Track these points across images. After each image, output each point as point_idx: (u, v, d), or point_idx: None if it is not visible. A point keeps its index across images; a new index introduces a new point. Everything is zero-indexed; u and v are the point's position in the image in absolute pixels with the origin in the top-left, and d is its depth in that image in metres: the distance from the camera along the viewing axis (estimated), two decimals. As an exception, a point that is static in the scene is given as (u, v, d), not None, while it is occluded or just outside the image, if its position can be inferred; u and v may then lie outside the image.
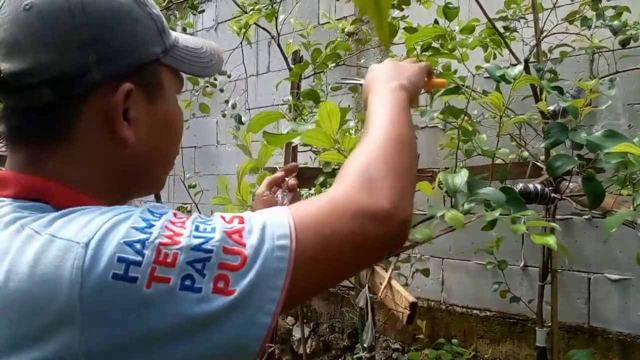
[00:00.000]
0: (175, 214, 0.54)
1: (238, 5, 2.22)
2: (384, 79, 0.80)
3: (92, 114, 0.59)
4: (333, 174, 1.72)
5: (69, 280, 0.47)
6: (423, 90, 0.93)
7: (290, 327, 3.49)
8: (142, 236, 0.49)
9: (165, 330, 0.48)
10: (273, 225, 0.54)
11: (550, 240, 1.02)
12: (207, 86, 2.68)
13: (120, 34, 0.58)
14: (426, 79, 0.90)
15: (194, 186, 2.53)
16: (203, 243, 0.50)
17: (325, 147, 1.07)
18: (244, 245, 0.52)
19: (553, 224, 1.10)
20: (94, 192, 0.60)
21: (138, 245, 0.49)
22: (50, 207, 0.55)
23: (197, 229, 0.52)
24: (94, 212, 0.52)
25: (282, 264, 0.52)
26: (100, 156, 0.61)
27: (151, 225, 0.51)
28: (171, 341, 0.48)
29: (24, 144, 0.59)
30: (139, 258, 0.48)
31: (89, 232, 0.49)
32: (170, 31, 0.67)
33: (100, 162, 0.61)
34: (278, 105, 2.77)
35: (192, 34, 3.43)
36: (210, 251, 0.50)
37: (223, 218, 0.55)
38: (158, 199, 2.68)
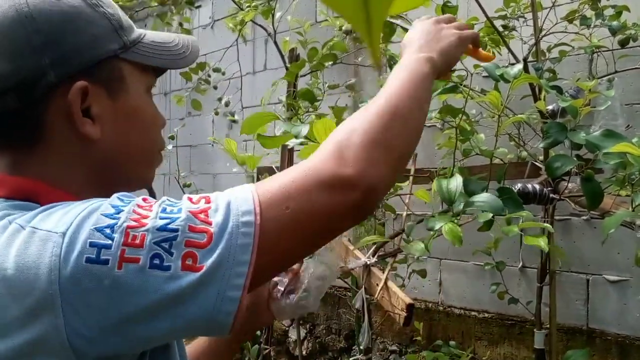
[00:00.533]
0: (144, 199, 0.57)
1: (234, 2, 2.20)
2: (416, 46, 0.78)
3: (55, 114, 0.62)
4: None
5: (48, 267, 0.50)
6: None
7: (287, 329, 3.47)
8: (111, 221, 0.53)
9: (140, 309, 0.51)
10: (238, 201, 0.56)
11: (542, 242, 1.01)
12: (202, 83, 2.66)
13: (71, 35, 0.61)
14: (471, 47, 0.87)
15: (189, 185, 2.52)
16: (169, 223, 0.53)
17: None
18: (209, 223, 0.54)
19: (546, 225, 1.08)
20: (76, 190, 0.63)
21: (108, 230, 0.52)
22: (40, 206, 0.59)
23: (163, 210, 0.55)
24: (71, 205, 0.56)
25: (248, 240, 0.53)
26: (73, 155, 0.64)
27: (119, 211, 0.54)
28: (147, 319, 0.51)
29: (6, 147, 0.64)
30: (108, 242, 0.51)
31: (66, 223, 0.53)
32: (136, 29, 0.70)
33: (74, 160, 0.64)
34: (275, 104, 2.75)
35: (188, 31, 3.41)
36: (176, 230, 0.53)
37: (190, 199, 0.57)
38: (153, 197, 2.66)
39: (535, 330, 1.96)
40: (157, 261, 0.51)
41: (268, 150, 2.29)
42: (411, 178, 1.71)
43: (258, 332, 1.86)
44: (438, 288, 2.79)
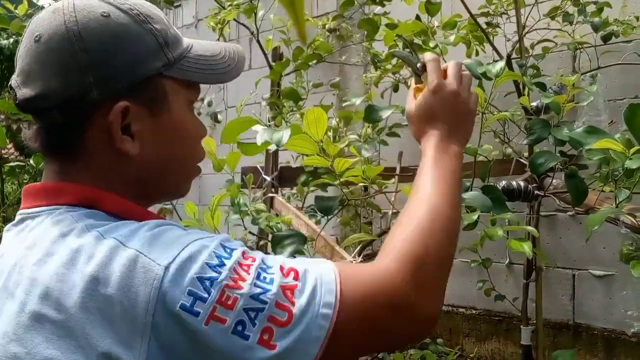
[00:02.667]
0: (244, 253, 0.59)
1: (216, 1, 2.18)
2: (443, 129, 0.79)
3: (96, 130, 0.64)
4: (315, 173, 1.69)
5: (147, 297, 0.54)
6: None
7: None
8: (213, 274, 0.55)
9: None
10: (323, 288, 0.58)
11: (526, 247, 1.00)
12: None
13: (116, 55, 0.62)
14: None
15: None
16: (261, 293, 0.56)
17: (309, 153, 1.05)
18: (293, 303, 0.56)
19: (531, 229, 1.08)
20: (125, 196, 0.66)
21: (207, 283, 0.55)
22: (102, 212, 0.63)
23: (258, 276, 0.57)
24: (175, 232, 0.59)
25: (321, 333, 0.56)
26: (112, 167, 0.66)
27: (222, 264, 0.56)
28: None
29: (53, 158, 0.67)
30: (205, 295, 0.54)
31: (169, 255, 0.55)
32: (184, 40, 0.70)
33: (113, 173, 0.66)
34: (259, 103, 2.73)
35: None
36: (265, 302, 0.55)
37: (282, 269, 0.59)
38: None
39: (521, 326, 1.97)
40: (240, 327, 0.54)
41: (238, 159, 2.28)
42: (397, 177, 1.71)
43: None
44: (426, 285, 2.79)
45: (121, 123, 0.63)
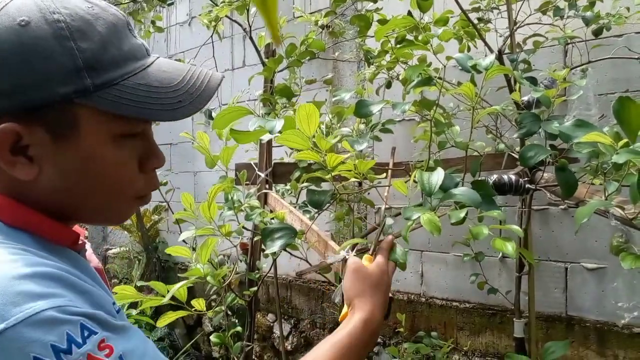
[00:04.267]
0: (101, 343, 0.52)
1: (209, -1, 2.18)
2: (378, 302, 0.92)
3: None
4: (309, 169, 1.70)
5: None
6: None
7: (271, 325, 3.47)
8: None
9: None
10: None
11: (509, 247, 1.02)
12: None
13: (16, 71, 0.56)
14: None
15: (165, 184, 2.49)
16: None
17: (301, 148, 1.05)
18: None
19: (516, 228, 1.10)
20: (38, 208, 0.62)
21: None
22: (2, 224, 0.59)
23: None
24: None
25: None
26: (20, 182, 0.60)
27: (69, 351, 0.50)
28: None
29: None
30: None
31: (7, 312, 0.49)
32: (142, 61, 0.63)
33: (23, 187, 0.61)
34: (254, 100, 2.73)
35: (164, 29, 3.36)
36: None
37: None
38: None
39: (514, 319, 1.98)
40: None
41: (246, 146, 2.28)
42: (389, 171, 1.72)
43: (240, 329, 1.85)
44: (420, 280, 2.81)
45: (14, 144, 0.58)
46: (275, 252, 1.66)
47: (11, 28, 0.57)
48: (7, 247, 0.56)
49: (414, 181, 1.15)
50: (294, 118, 1.06)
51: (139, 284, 1.44)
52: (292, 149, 2.10)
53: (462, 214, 1.00)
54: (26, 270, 0.53)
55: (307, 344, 3.28)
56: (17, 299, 0.50)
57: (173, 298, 1.07)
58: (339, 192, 1.21)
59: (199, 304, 1.10)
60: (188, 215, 1.17)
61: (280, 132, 1.08)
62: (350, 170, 1.14)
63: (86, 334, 0.51)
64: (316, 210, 1.26)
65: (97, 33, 0.59)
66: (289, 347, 3.29)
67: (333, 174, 1.09)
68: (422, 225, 1.29)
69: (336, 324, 3.11)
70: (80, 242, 0.68)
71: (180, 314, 1.13)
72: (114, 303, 0.65)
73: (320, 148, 1.06)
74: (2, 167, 0.60)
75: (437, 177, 1.08)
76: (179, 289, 1.02)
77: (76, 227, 0.71)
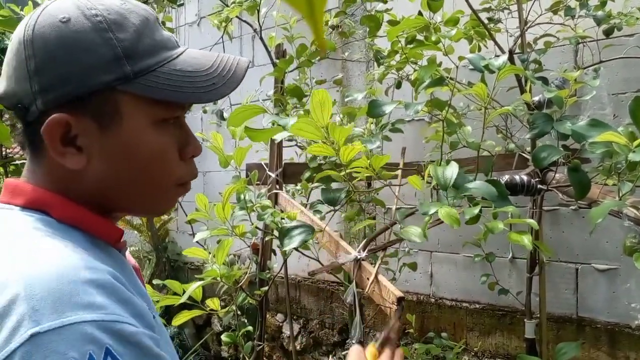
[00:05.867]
0: None
1: (220, -1, 2.19)
2: None
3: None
4: (319, 169, 1.70)
5: None
6: None
7: (280, 324, 3.47)
8: None
9: None
10: None
11: (525, 239, 1.01)
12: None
13: (61, 63, 0.60)
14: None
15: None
16: None
17: (314, 139, 1.04)
18: None
19: (531, 221, 1.09)
20: (83, 203, 0.64)
21: None
22: (52, 219, 0.61)
23: None
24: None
25: None
26: (66, 175, 0.63)
27: None
28: None
29: (27, 154, 0.66)
30: None
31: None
32: (172, 51, 0.65)
33: (68, 180, 0.64)
34: (263, 100, 2.74)
35: (173, 29, 3.37)
36: None
37: None
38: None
39: (525, 320, 1.97)
40: None
41: (257, 147, 2.28)
42: (400, 172, 1.72)
43: (250, 328, 1.86)
44: (429, 280, 2.80)
45: (64, 135, 0.61)
46: (287, 251, 1.66)
47: (53, 25, 0.60)
48: (63, 241, 0.58)
49: (428, 176, 1.15)
50: (306, 116, 1.06)
51: (155, 282, 1.44)
52: (302, 148, 2.11)
53: (477, 210, 1.00)
54: (80, 275, 0.53)
55: (316, 344, 3.28)
56: (60, 305, 0.50)
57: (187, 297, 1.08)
58: (353, 189, 1.21)
59: (213, 303, 1.11)
60: (202, 215, 1.17)
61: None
62: (364, 167, 1.13)
63: (108, 359, 0.51)
64: (328, 210, 1.26)
65: (132, 25, 0.63)
66: (297, 347, 3.29)
67: (347, 170, 1.09)
68: (432, 226, 1.29)
69: (345, 325, 3.10)
70: (122, 240, 0.70)
71: (195, 313, 1.13)
72: (149, 307, 0.65)
73: (334, 139, 1.05)
74: (51, 161, 0.63)
75: (452, 171, 1.07)
76: (195, 289, 1.02)
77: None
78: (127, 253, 0.75)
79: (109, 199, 0.66)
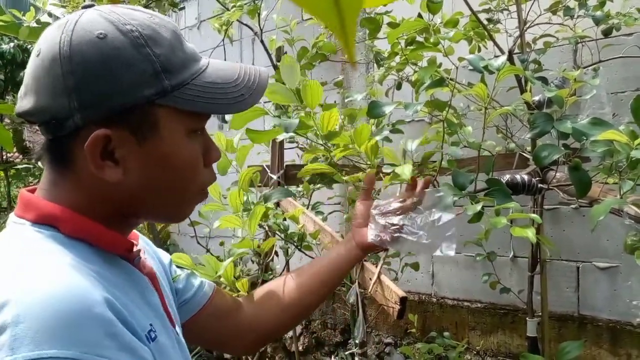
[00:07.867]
0: None
1: (220, 2, 2.19)
2: None
3: (80, 153, 0.63)
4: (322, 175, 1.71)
5: None
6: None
7: (282, 325, 3.48)
8: None
9: None
10: None
11: (529, 233, 1.02)
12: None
13: (103, 80, 0.60)
14: None
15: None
16: None
17: (286, 103, 1.06)
18: None
19: (534, 216, 1.09)
20: (102, 218, 0.66)
21: None
22: (61, 235, 0.62)
23: None
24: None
25: None
26: (97, 189, 0.65)
27: None
28: None
29: (47, 167, 0.67)
30: None
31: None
32: (197, 63, 0.67)
33: (99, 194, 0.65)
34: (264, 102, 2.75)
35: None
36: None
37: None
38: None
39: (527, 318, 1.98)
40: None
41: (258, 148, 2.28)
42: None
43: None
44: (431, 280, 2.81)
45: (105, 148, 0.62)
46: (289, 252, 1.67)
47: (91, 41, 0.61)
48: (67, 259, 0.59)
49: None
50: (307, 116, 1.07)
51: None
52: (302, 150, 2.11)
53: (479, 207, 1.01)
54: (72, 308, 0.53)
55: (318, 345, 3.29)
56: (41, 337, 0.50)
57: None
58: (354, 184, 1.22)
59: (242, 285, 1.10)
60: (217, 208, 1.18)
61: (295, 132, 1.10)
62: (348, 146, 1.14)
63: None
64: (330, 212, 1.26)
65: (165, 39, 0.64)
66: (300, 348, 3.30)
67: (329, 144, 1.10)
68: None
69: (347, 325, 3.11)
70: (135, 249, 0.71)
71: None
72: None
73: (307, 103, 1.05)
74: (80, 175, 0.64)
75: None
76: (226, 268, 1.03)
77: (131, 234, 0.75)
78: (144, 258, 0.75)
79: (135, 208, 0.68)
